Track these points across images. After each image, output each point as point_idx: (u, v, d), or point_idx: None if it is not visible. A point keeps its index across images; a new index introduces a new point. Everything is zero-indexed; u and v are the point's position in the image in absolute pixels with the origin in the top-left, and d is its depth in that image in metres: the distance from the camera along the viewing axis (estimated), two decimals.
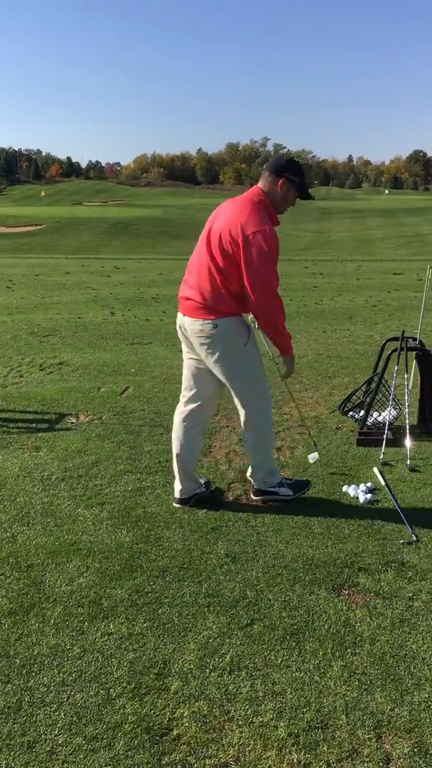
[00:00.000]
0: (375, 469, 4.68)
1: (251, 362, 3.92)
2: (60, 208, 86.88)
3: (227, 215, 3.73)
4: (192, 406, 4.09)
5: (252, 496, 4.22)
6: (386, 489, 4.37)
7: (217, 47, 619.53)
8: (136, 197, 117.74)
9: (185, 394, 4.12)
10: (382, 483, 4.46)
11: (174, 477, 4.17)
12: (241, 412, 4.01)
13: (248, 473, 4.25)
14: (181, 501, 4.13)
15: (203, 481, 4.31)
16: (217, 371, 3.90)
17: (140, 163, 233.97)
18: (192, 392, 4.09)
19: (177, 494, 4.14)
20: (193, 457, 4.16)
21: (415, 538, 3.75)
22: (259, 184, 3.82)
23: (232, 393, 3.99)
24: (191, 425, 4.09)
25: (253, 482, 4.21)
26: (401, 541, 3.74)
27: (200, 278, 3.80)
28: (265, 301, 3.71)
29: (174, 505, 4.13)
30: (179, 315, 3.97)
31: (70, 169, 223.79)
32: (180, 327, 3.98)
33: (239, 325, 3.85)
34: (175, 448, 4.12)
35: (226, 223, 3.70)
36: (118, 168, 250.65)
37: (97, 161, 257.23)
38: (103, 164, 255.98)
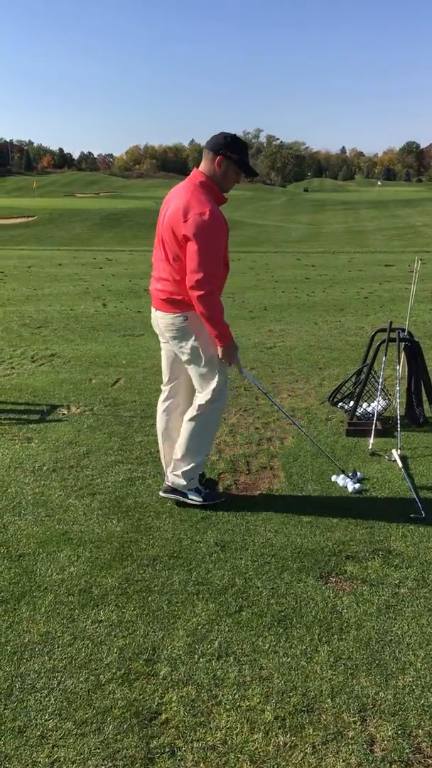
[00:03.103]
0: (393, 451, 4.79)
1: (217, 354, 3.86)
2: (52, 199, 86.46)
3: (173, 204, 3.70)
4: (174, 397, 4.12)
5: (161, 493, 4.16)
6: (402, 468, 4.55)
7: (211, 38, 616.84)
8: (128, 189, 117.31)
9: (165, 386, 4.14)
10: (399, 464, 4.60)
11: (163, 468, 4.20)
12: (195, 400, 3.97)
13: (169, 469, 4.12)
14: (167, 491, 4.16)
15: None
16: (185, 360, 3.90)
17: (133, 154, 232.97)
18: (172, 384, 4.11)
19: (165, 484, 4.17)
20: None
21: (423, 515, 3.90)
22: (201, 165, 3.76)
23: (194, 381, 3.95)
24: (175, 416, 4.12)
25: (167, 477, 4.14)
26: (411, 515, 3.91)
27: (163, 271, 3.79)
28: (199, 282, 3.57)
29: (160, 494, 4.15)
30: (152, 309, 3.98)
31: (62, 160, 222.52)
32: (153, 320, 3.99)
33: None
34: (161, 440, 4.15)
35: (172, 212, 3.66)
36: (111, 159, 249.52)
37: (89, 152, 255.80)
38: (95, 155, 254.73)
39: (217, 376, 3.87)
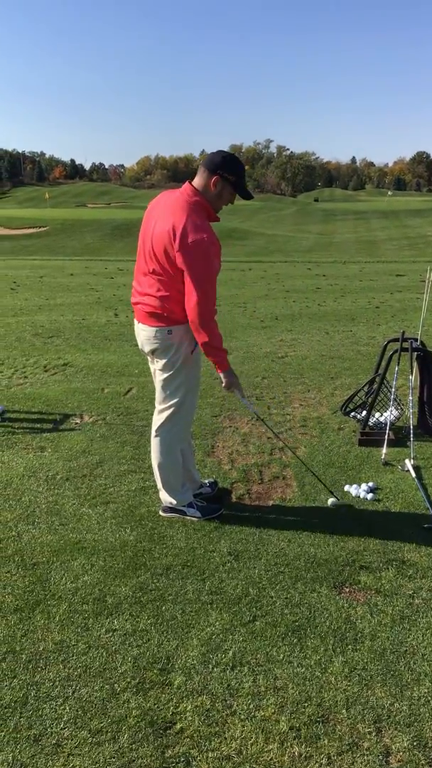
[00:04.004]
0: (407, 461, 4.78)
1: (191, 372, 3.85)
2: (64, 210, 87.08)
3: (165, 219, 3.56)
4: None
5: (161, 512, 4.11)
6: (415, 478, 4.54)
7: (220, 49, 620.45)
8: (139, 199, 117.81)
9: (158, 403, 4.05)
10: (413, 474, 4.59)
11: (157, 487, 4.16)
12: (160, 416, 3.93)
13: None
14: (165, 510, 4.13)
15: (208, 482, 4.36)
16: (158, 374, 3.86)
17: (144, 165, 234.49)
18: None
19: (163, 502, 4.13)
20: (188, 464, 4.15)
21: None
22: (195, 181, 3.64)
23: (156, 396, 3.93)
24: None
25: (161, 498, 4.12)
26: (425, 525, 3.91)
27: (148, 286, 3.71)
28: (200, 310, 3.53)
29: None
30: (135, 322, 3.90)
31: (73, 171, 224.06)
32: (136, 332, 3.93)
33: (188, 333, 3.72)
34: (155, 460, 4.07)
35: (163, 227, 3.53)
36: (122, 170, 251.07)
37: (100, 163, 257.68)
38: (106, 166, 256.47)
39: (179, 398, 3.84)
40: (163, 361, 3.78)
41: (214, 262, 3.56)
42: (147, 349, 3.85)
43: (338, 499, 4.21)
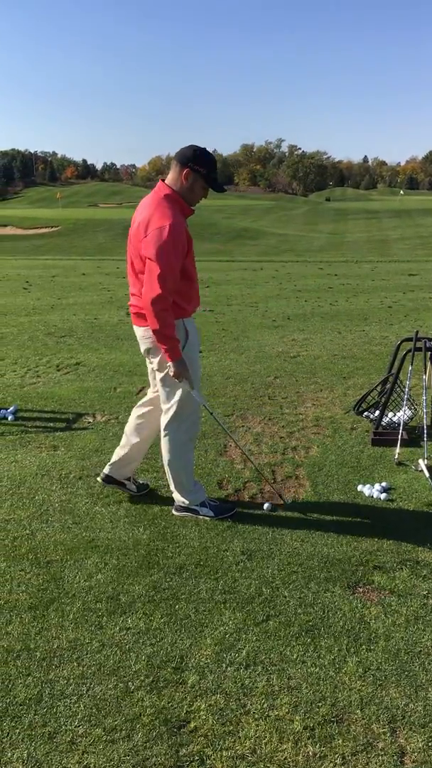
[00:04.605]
0: (420, 461, 4.77)
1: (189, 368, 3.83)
2: (76, 210, 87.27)
3: (140, 218, 3.65)
4: (147, 406, 4.18)
5: (174, 511, 4.12)
6: (429, 478, 4.53)
7: (232, 48, 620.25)
8: None
9: (148, 395, 4.23)
10: (426, 474, 4.57)
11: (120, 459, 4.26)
12: (166, 416, 3.95)
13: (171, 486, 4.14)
14: (107, 478, 4.23)
15: (142, 482, 4.41)
16: (156, 374, 3.90)
17: (155, 165, 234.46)
18: (152, 395, 4.16)
19: (107, 469, 4.23)
20: (136, 452, 4.24)
21: None
22: (168, 176, 3.70)
23: (160, 395, 3.96)
24: (143, 423, 4.19)
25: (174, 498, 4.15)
26: None
27: (133, 286, 3.78)
28: (154, 297, 3.51)
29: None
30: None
31: (85, 171, 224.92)
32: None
33: (178, 331, 3.72)
34: (123, 439, 4.25)
35: (138, 226, 3.64)
36: (133, 170, 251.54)
37: (112, 163, 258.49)
38: (118, 166, 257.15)
39: (179, 395, 3.86)
40: (157, 359, 3.83)
41: (174, 252, 3.54)
42: (142, 348, 3.91)
43: (271, 505, 4.17)
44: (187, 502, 4.04)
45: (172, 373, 3.72)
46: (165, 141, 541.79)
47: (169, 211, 3.56)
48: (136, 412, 4.25)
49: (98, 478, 4.29)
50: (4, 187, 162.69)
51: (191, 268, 3.78)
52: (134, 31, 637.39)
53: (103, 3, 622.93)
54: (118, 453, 4.25)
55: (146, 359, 4.04)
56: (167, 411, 3.94)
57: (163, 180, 3.72)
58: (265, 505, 4.14)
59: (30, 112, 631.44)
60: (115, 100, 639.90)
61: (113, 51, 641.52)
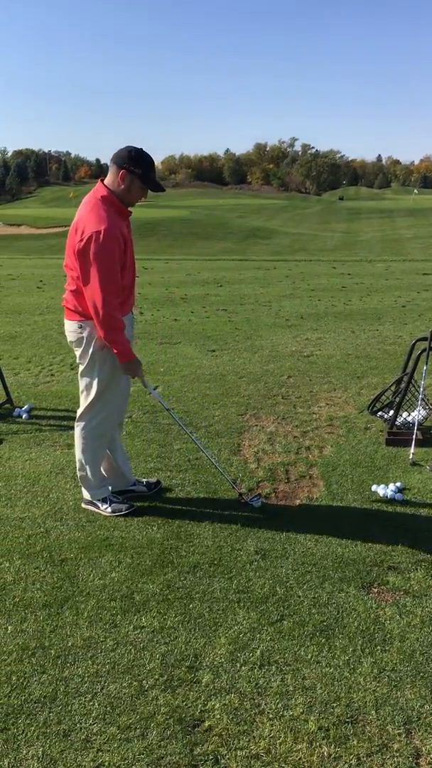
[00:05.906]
0: None
1: (104, 365, 3.85)
2: None
3: (77, 217, 3.69)
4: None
5: (82, 504, 4.20)
6: None
7: (244, 47, 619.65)
8: (163, 198, 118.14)
9: (80, 394, 4.20)
10: None
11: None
12: (80, 408, 4.03)
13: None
14: (119, 494, 4.23)
15: (146, 481, 4.40)
16: (79, 366, 3.96)
17: (168, 164, 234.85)
18: None
19: (110, 487, 4.20)
20: (114, 453, 4.25)
21: None
22: (106, 178, 3.72)
23: (81, 387, 4.00)
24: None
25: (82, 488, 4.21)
26: None
27: (68, 281, 3.82)
28: (96, 304, 3.59)
29: (82, 505, 4.17)
30: None
31: (98, 170, 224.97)
32: None
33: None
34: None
35: (74, 224, 3.67)
36: None
37: None
38: None
39: (96, 391, 3.90)
40: (78, 352, 3.89)
41: (112, 256, 3.57)
42: (69, 343, 3.97)
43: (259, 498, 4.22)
44: (88, 495, 4.12)
45: (123, 372, 3.86)
46: (178, 140, 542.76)
47: (104, 213, 3.59)
48: None
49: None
50: (19, 187, 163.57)
51: (132, 266, 3.84)
52: (147, 30, 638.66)
53: (113, 3, 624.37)
54: (105, 469, 4.25)
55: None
56: (82, 403, 4.00)
57: (102, 180, 3.74)
58: (255, 502, 4.16)
59: (44, 112, 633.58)
60: (128, 99, 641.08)
61: (127, 51, 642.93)
